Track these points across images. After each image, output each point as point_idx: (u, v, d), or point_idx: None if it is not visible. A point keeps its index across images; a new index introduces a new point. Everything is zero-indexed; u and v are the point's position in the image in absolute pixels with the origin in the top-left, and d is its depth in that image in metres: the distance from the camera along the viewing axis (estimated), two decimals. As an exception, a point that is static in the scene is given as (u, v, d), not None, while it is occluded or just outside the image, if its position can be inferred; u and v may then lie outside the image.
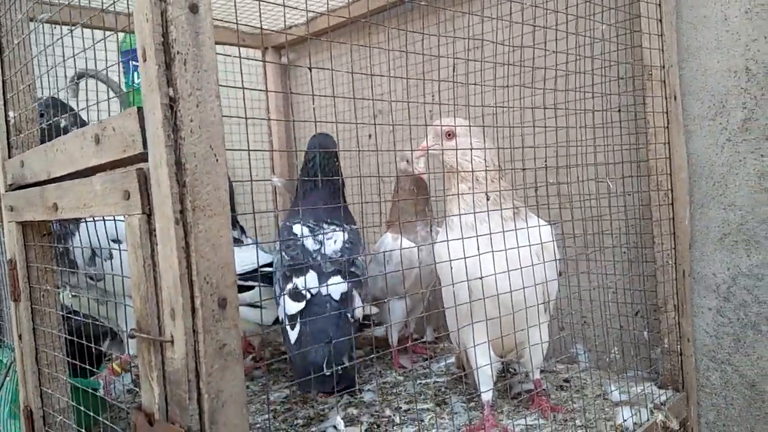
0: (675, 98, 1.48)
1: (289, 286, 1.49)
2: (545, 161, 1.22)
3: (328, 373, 1.31)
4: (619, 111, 1.47)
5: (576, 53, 1.39)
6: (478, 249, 1.13)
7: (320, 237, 1.55)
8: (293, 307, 1.45)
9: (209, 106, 0.68)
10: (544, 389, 1.47)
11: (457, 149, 1.20)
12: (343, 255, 1.54)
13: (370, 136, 2.24)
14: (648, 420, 1.35)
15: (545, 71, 1.33)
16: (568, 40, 1.42)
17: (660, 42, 1.47)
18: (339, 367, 1.32)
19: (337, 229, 1.58)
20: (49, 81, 1.20)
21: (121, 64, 2.73)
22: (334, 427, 1.44)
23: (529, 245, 1.20)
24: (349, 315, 1.46)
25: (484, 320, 1.18)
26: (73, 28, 0.90)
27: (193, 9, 0.66)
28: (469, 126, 1.33)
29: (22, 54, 1.05)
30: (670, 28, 1.48)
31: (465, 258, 1.12)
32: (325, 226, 1.59)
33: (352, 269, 1.54)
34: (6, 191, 1.08)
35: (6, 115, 1.09)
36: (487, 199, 1.17)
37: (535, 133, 1.42)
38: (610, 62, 1.51)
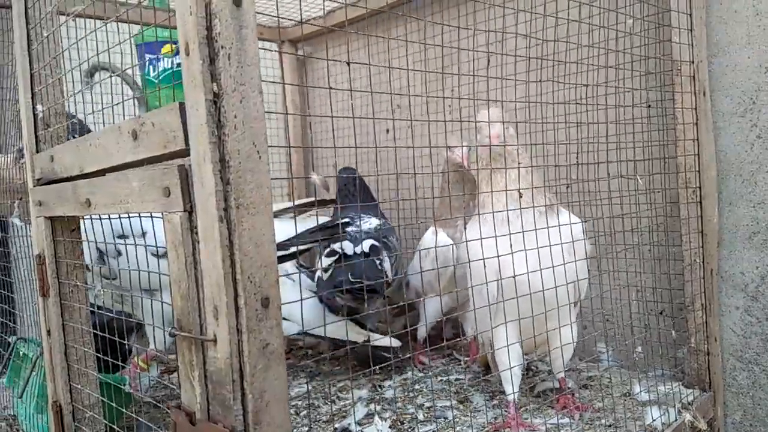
0: (704, 94, 1.46)
1: (327, 250, 1.65)
2: (577, 156, 1.20)
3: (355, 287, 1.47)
4: (649, 106, 1.45)
5: (605, 47, 1.37)
6: (511, 246, 1.11)
7: (357, 221, 1.74)
8: (327, 261, 1.62)
9: (252, 101, 0.66)
10: (569, 388, 1.45)
11: (517, 145, 1.22)
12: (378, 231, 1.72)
13: (387, 130, 2.22)
14: (676, 420, 1.33)
15: (570, 65, 1.31)
16: (596, 34, 1.40)
17: (689, 37, 1.45)
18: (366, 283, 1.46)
19: (372, 216, 1.78)
20: (73, 75, 1.19)
21: (136, 57, 2.73)
22: (357, 423, 1.44)
23: (561, 243, 1.18)
24: (377, 262, 1.59)
25: (517, 319, 1.17)
26: (106, 21, 0.89)
27: (237, 2, 0.65)
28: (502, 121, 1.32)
29: (51, 47, 1.04)
30: (699, 23, 1.46)
31: (498, 256, 1.11)
32: (363, 216, 1.79)
33: (384, 240, 1.70)
34: (34, 186, 1.08)
35: (34, 109, 1.08)
36: (520, 197, 1.16)
37: (559, 129, 1.40)
38: (639, 57, 1.49)
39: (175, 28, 0.67)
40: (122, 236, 1.38)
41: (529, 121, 1.27)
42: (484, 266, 1.13)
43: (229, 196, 0.65)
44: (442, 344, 1.87)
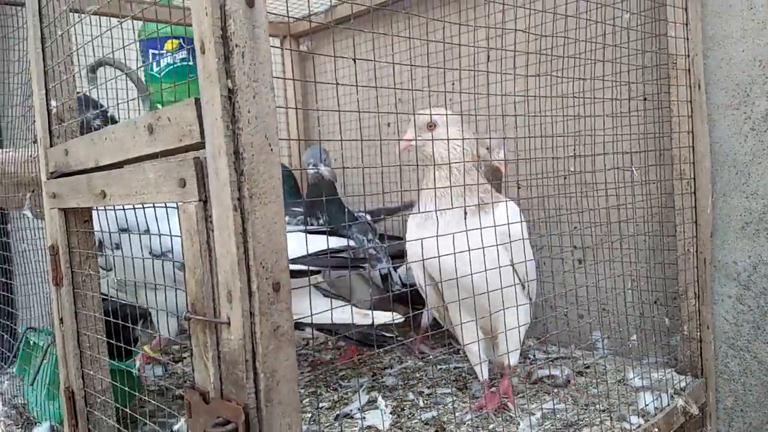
0: (699, 87, 1.49)
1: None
2: (574, 149, 1.24)
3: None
4: (645, 99, 1.49)
5: (602, 41, 1.40)
6: (437, 248, 1.14)
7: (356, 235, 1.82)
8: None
9: (264, 97, 0.70)
10: (511, 379, 1.47)
11: (459, 138, 1.25)
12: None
13: (389, 124, 2.26)
14: (669, 405, 1.37)
15: (567, 60, 1.35)
16: (592, 28, 1.43)
17: (685, 31, 1.48)
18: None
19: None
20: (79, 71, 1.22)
21: (140, 53, 2.75)
22: (359, 409, 1.48)
23: (496, 233, 1.23)
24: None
25: (457, 301, 1.24)
26: (122, 20, 0.92)
27: (250, 3, 0.68)
28: (446, 114, 1.34)
29: (65, 44, 1.07)
30: (695, 17, 1.49)
31: (423, 259, 1.19)
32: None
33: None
34: (48, 179, 1.11)
35: (48, 105, 1.11)
36: (518, 188, 1.19)
37: (557, 122, 1.44)
38: (635, 51, 1.52)
39: (180, 24, 0.70)
40: (125, 230, 1.41)
41: (527, 114, 1.31)
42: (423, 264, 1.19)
43: (243, 187, 0.68)
44: (441, 329, 1.91)
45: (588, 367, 1.67)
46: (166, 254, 1.48)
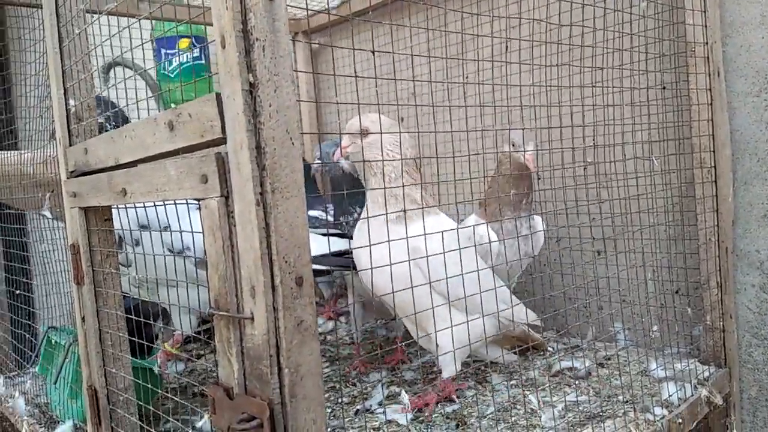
0: (718, 75, 1.47)
1: None
2: (593, 139, 1.22)
3: None
4: (664, 88, 1.47)
5: (620, 30, 1.39)
6: (372, 260, 1.07)
7: None
8: None
9: (285, 91, 0.69)
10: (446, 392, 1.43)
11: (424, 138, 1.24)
12: None
13: (402, 119, 2.25)
14: (693, 395, 1.36)
15: (585, 49, 1.33)
16: (610, 17, 1.42)
17: (703, 18, 1.46)
18: None
19: None
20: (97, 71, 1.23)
21: (153, 53, 2.76)
22: (379, 403, 1.48)
23: (408, 246, 1.12)
24: None
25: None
26: (132, 21, 0.93)
27: (269, -4, 0.68)
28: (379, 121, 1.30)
29: (83, 44, 1.07)
30: (713, 4, 1.47)
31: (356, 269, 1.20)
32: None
33: None
34: (68, 178, 1.12)
35: (66, 104, 1.11)
36: (537, 179, 1.18)
37: (575, 113, 1.42)
38: (653, 39, 1.50)
39: (193, 23, 0.70)
40: (145, 227, 1.41)
41: (550, 105, 1.30)
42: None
43: (265, 181, 0.68)
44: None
45: (609, 359, 1.66)
46: (184, 251, 1.49)
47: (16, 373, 1.89)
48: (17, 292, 1.99)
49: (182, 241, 1.45)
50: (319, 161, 1.82)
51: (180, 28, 2.65)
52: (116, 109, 1.56)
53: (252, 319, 0.71)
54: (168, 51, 2.83)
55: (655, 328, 1.67)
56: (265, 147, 0.68)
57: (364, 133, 1.28)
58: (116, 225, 1.12)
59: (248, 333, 0.72)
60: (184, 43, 2.81)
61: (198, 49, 2.89)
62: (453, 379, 1.43)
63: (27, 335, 1.90)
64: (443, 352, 1.31)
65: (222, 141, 0.72)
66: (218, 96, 0.71)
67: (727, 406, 1.49)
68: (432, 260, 1.14)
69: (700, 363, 1.53)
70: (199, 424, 1.25)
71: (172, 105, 2.96)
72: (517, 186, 1.52)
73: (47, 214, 1.47)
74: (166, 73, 2.80)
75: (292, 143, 0.70)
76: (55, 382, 1.43)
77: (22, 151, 1.66)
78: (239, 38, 0.67)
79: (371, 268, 1.05)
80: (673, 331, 1.61)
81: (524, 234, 1.56)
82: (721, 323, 1.50)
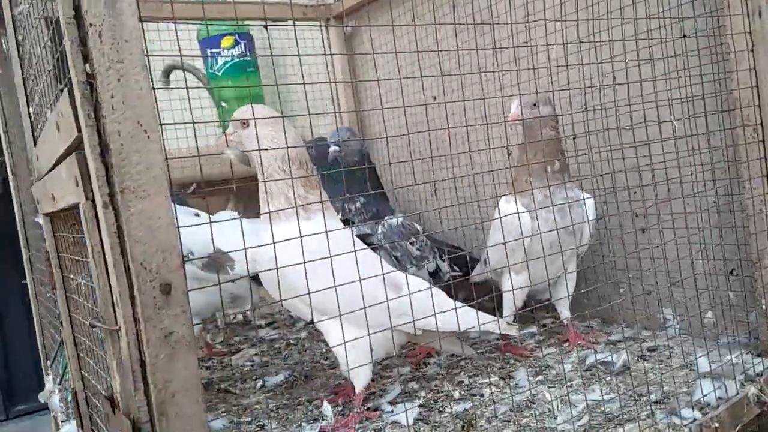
0: (760, 15, 1.24)
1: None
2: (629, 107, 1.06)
3: None
4: (684, 37, 1.26)
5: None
6: (277, 259, 0.97)
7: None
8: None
9: (134, 79, 0.63)
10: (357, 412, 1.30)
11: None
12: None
13: (435, 97, 2.14)
14: (737, 394, 1.16)
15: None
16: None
17: (739, -54, 1.24)
18: None
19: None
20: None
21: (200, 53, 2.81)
22: (389, 402, 1.39)
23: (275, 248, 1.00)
24: None
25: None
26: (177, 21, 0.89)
27: (105, -25, 0.61)
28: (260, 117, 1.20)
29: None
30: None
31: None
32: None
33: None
34: (32, 184, 1.12)
35: (28, 109, 1.11)
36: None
37: (606, 76, 1.26)
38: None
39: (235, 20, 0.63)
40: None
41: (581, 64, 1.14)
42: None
43: (113, 181, 0.62)
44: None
45: (653, 350, 1.47)
46: (188, 255, 1.47)
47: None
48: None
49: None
50: (337, 147, 1.75)
51: (224, 26, 2.68)
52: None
53: (119, 331, 0.65)
54: (213, 50, 2.87)
55: (709, 314, 1.46)
56: (110, 143, 0.61)
57: (244, 124, 1.20)
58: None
59: (121, 346, 0.66)
60: (227, 41, 2.84)
61: (242, 46, 2.91)
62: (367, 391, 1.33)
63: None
64: (343, 366, 1.21)
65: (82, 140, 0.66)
66: (70, 90, 0.65)
67: (790, 405, 1.27)
68: (288, 271, 0.98)
69: (756, 355, 1.31)
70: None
71: (223, 104, 2.98)
72: (544, 153, 1.40)
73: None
74: (213, 72, 2.85)
75: (147, 136, 0.63)
76: (60, 383, 1.47)
77: None
78: (71, 25, 0.61)
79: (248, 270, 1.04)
80: (728, 318, 1.39)
81: (560, 204, 1.40)
82: (779, 307, 1.27)
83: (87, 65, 0.61)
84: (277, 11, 2.40)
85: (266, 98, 2.73)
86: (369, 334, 1.12)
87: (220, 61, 2.83)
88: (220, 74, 2.85)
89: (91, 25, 0.61)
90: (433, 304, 1.18)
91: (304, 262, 0.96)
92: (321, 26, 2.50)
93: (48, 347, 1.93)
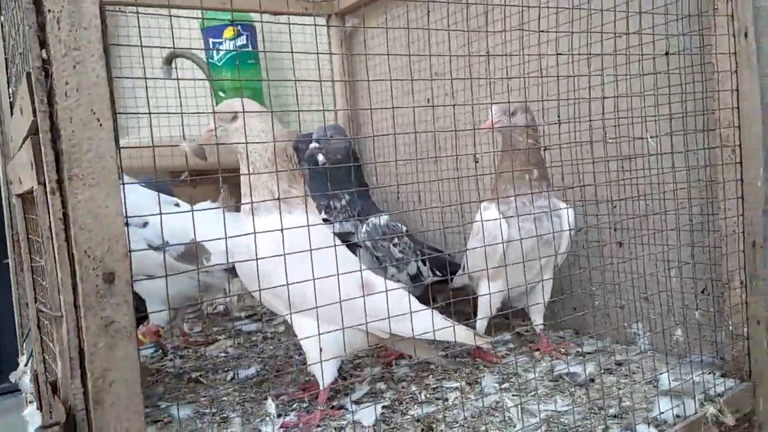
0: (746, 36, 1.24)
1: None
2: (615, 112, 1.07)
3: None
4: (667, 54, 1.26)
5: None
6: (262, 255, 1.00)
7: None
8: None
9: (90, 66, 0.63)
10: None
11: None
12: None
13: (428, 100, 2.14)
14: (695, 413, 1.17)
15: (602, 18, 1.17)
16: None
17: (727, -32, 1.24)
18: None
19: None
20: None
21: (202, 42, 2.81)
22: (354, 402, 1.40)
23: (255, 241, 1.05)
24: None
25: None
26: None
27: (65, -38, 0.61)
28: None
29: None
30: (740, -49, 1.24)
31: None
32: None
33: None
34: (6, 165, 1.12)
35: (9, 90, 1.12)
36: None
37: (593, 88, 1.27)
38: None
39: (237, 11, 0.64)
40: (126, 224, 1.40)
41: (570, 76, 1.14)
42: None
43: (62, 167, 0.62)
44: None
45: (620, 364, 1.47)
46: (164, 245, 1.47)
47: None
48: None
49: (162, 236, 1.42)
50: (317, 144, 1.75)
51: (227, 15, 2.67)
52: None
53: (61, 317, 0.65)
54: (214, 40, 2.87)
55: (678, 331, 1.46)
56: (61, 129, 0.62)
57: (231, 113, 1.20)
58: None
59: (62, 332, 0.67)
60: (229, 32, 2.84)
61: (244, 37, 2.91)
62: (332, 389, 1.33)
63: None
64: (310, 361, 1.22)
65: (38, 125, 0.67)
66: (28, 75, 0.66)
67: (750, 427, 1.27)
68: (262, 264, 1.00)
69: (722, 375, 1.31)
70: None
71: (221, 94, 2.98)
72: (520, 161, 1.40)
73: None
74: (213, 62, 2.85)
75: (100, 124, 0.64)
76: (27, 364, 1.47)
77: None
78: (29, 11, 0.61)
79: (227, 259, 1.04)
80: (696, 337, 1.40)
81: (538, 212, 1.41)
82: (746, 330, 1.27)
83: (43, 51, 0.62)
84: (280, 5, 2.40)
85: (265, 90, 2.73)
86: (334, 331, 1.13)
87: (222, 50, 2.83)
88: (220, 65, 2.85)
89: (49, 11, 0.61)
90: (409, 306, 1.20)
91: (284, 254, 0.97)
92: (315, 24, 2.50)
93: (24, 327, 1.93)
